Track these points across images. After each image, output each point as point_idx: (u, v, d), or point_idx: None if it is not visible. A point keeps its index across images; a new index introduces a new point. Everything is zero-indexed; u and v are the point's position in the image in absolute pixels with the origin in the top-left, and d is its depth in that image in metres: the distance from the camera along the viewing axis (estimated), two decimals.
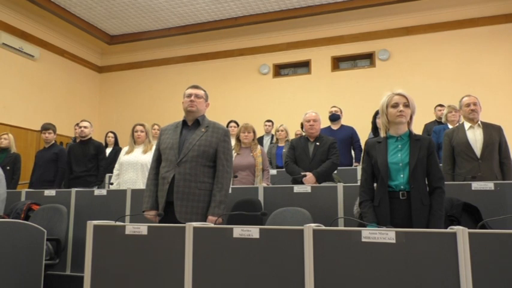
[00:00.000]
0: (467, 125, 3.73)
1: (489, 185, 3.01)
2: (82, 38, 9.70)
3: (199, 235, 2.03)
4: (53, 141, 5.39)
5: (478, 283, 1.59)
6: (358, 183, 2.69)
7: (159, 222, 2.70)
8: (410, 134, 2.47)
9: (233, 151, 4.01)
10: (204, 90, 2.97)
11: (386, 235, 1.71)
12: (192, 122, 2.89)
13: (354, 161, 5.60)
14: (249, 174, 4.17)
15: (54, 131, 5.38)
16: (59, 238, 3.59)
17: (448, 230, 1.69)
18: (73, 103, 9.52)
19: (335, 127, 5.59)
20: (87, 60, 10.14)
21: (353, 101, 8.08)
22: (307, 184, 3.66)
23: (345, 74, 8.75)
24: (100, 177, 4.98)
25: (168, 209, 2.71)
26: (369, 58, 8.76)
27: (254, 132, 4.37)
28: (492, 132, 3.62)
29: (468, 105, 3.73)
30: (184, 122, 2.91)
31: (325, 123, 5.19)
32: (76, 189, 4.15)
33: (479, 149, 3.58)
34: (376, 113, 3.87)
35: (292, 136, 6.22)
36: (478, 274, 1.59)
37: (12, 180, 5.20)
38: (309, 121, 4.04)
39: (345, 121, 5.77)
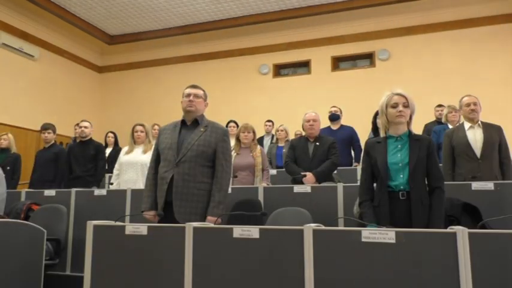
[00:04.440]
0: (467, 125, 3.72)
1: (489, 185, 3.01)
2: (82, 38, 9.69)
3: (199, 235, 2.02)
4: (53, 141, 5.39)
5: (478, 283, 1.58)
6: (358, 183, 2.69)
7: (159, 222, 2.70)
8: (410, 134, 2.47)
9: (233, 151, 4.01)
10: (203, 90, 2.96)
11: (386, 235, 1.71)
12: (191, 122, 2.88)
13: (353, 161, 5.60)
14: (248, 174, 4.16)
15: (54, 131, 5.38)
16: (59, 238, 3.59)
17: (448, 230, 1.69)
18: (73, 103, 9.51)
19: (335, 127, 5.58)
20: (87, 60, 10.14)
21: (353, 101, 8.07)
22: (307, 184, 3.66)
23: (345, 74, 8.75)
24: (98, 177, 4.97)
25: (167, 209, 2.70)
26: (369, 58, 8.75)
27: (254, 132, 4.36)
28: (492, 132, 3.62)
29: (468, 105, 3.73)
30: (183, 122, 2.91)
31: (325, 123, 5.18)
32: (76, 189, 4.14)
33: (479, 149, 3.57)
34: (376, 113, 3.85)
35: (292, 136, 6.22)
36: (478, 274, 1.59)
37: (12, 180, 5.19)
38: (308, 121, 4.04)
39: (345, 121, 5.76)
